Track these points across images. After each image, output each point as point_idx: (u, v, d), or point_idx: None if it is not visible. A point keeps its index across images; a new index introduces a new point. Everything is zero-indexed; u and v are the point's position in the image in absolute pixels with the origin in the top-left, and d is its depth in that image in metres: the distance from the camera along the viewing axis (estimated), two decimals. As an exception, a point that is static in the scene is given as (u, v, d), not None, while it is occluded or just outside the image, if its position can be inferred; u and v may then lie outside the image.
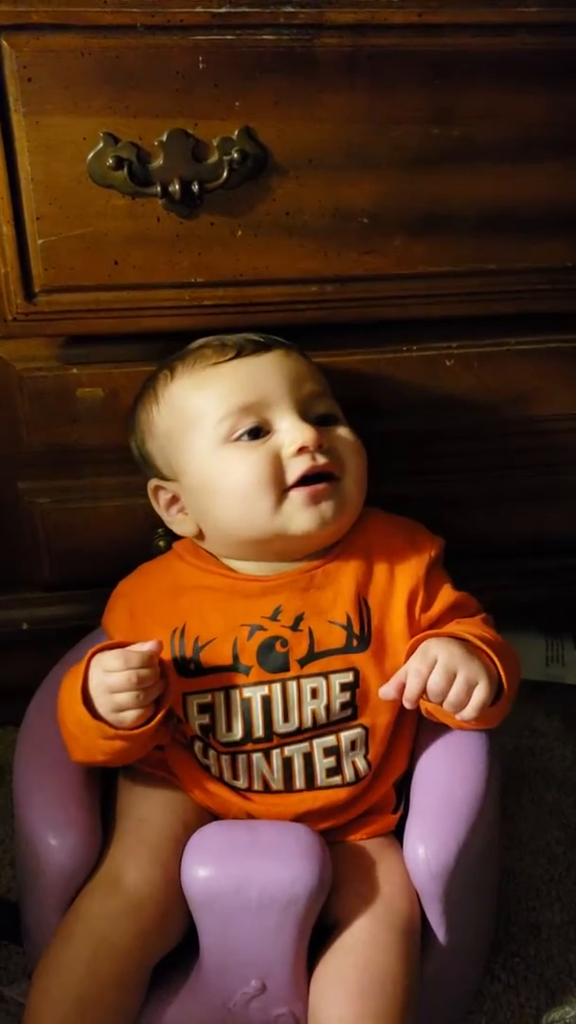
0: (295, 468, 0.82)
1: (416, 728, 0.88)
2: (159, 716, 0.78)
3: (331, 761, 0.83)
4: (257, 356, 0.84)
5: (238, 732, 0.82)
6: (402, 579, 0.85)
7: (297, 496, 0.82)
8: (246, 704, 0.82)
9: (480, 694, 0.78)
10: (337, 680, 0.83)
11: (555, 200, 0.89)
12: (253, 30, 0.80)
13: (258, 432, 0.82)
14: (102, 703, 0.77)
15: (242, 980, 0.77)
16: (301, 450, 0.81)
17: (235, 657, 0.83)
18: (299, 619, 0.83)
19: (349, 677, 0.83)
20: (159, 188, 0.83)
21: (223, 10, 0.79)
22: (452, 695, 0.78)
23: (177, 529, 0.88)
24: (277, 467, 0.82)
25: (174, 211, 0.84)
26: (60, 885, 0.80)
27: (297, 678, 0.82)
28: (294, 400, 0.83)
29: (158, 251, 0.86)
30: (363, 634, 0.84)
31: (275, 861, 0.76)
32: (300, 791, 0.83)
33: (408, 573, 0.86)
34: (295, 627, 0.83)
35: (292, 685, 0.82)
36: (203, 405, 0.83)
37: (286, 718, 0.82)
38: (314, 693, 0.82)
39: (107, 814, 0.85)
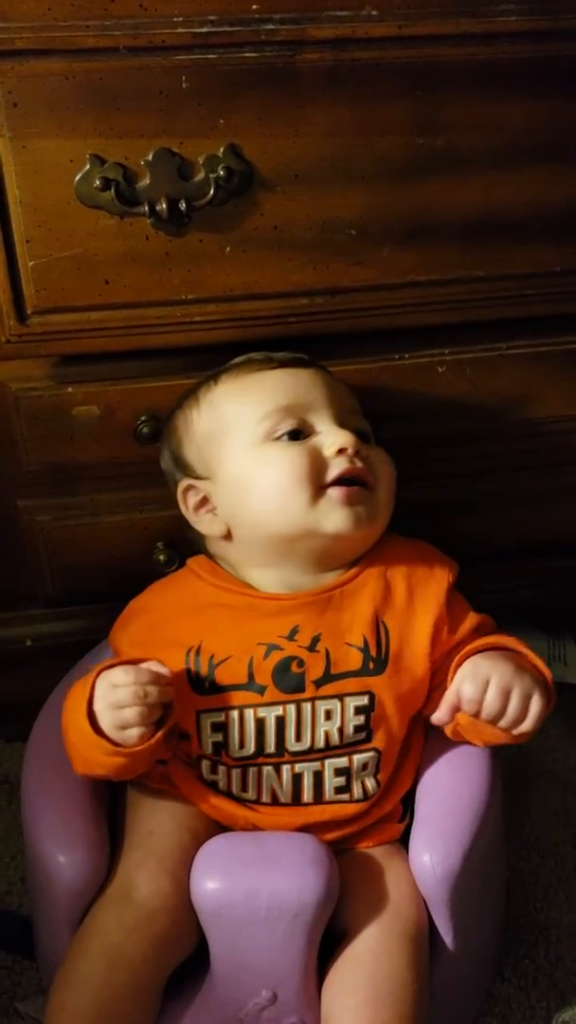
0: (335, 467, 0.83)
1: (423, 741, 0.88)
2: (160, 734, 0.78)
3: (341, 780, 0.83)
4: (299, 368, 0.87)
5: (250, 749, 0.82)
6: (423, 604, 0.85)
7: (334, 494, 0.82)
8: (260, 723, 0.82)
9: (537, 706, 0.79)
10: (352, 703, 0.83)
11: (540, 205, 0.90)
12: (235, 48, 0.80)
13: (298, 434, 0.84)
14: (106, 718, 0.78)
15: (253, 991, 0.78)
16: (341, 451, 0.83)
17: (250, 676, 0.82)
18: (316, 640, 0.83)
19: (364, 700, 0.83)
20: (147, 207, 0.83)
21: (204, 30, 0.79)
22: (511, 712, 0.79)
23: (204, 530, 0.88)
24: (316, 464, 0.82)
25: (162, 229, 0.85)
26: (70, 901, 0.80)
27: (312, 699, 0.82)
28: (335, 409, 0.85)
29: (148, 269, 0.87)
30: (380, 657, 0.83)
31: (283, 872, 0.76)
32: (308, 805, 0.83)
33: (429, 597, 0.86)
34: (312, 648, 0.83)
35: (307, 706, 0.82)
36: (246, 406, 0.84)
37: (299, 738, 0.82)
38: (328, 715, 0.82)
39: (115, 827, 0.85)
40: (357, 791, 0.83)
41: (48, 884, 0.81)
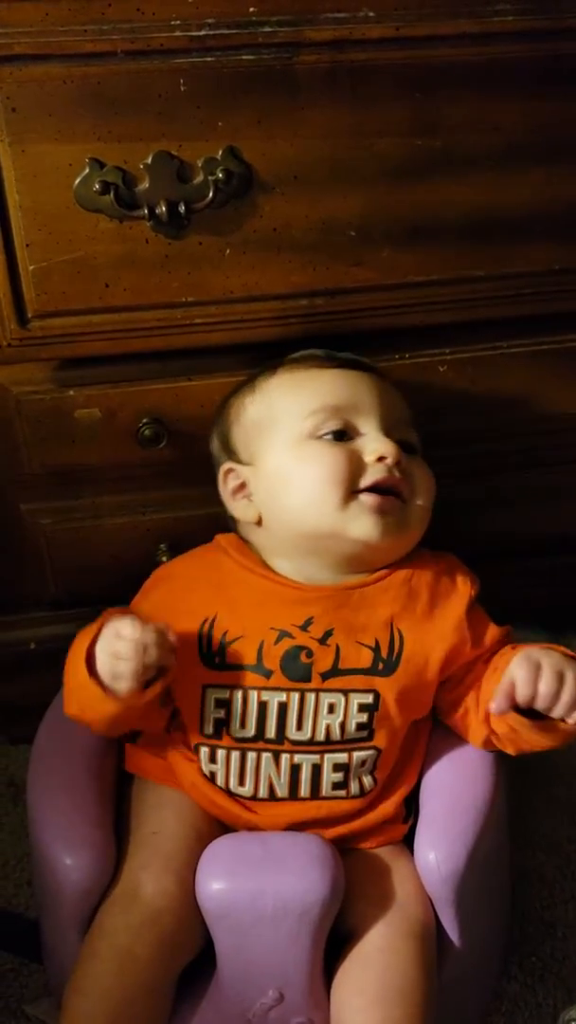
0: (371, 474, 0.83)
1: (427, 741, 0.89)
2: (148, 693, 0.78)
3: (339, 776, 0.83)
4: (356, 371, 0.87)
5: (251, 730, 0.83)
6: (443, 615, 0.85)
7: (366, 500, 0.83)
8: (262, 707, 0.83)
9: None
10: (356, 699, 0.83)
11: (538, 204, 0.90)
12: (233, 51, 0.80)
13: (342, 435, 0.84)
14: (103, 663, 0.77)
15: (260, 990, 0.78)
16: (380, 459, 0.83)
17: (259, 658, 0.83)
18: (328, 634, 0.84)
19: (369, 699, 0.83)
20: (146, 211, 0.83)
21: (202, 33, 0.79)
22: (565, 695, 0.78)
23: (238, 514, 0.89)
24: (354, 467, 0.83)
25: (162, 232, 0.85)
26: (77, 903, 0.81)
27: (317, 691, 0.83)
28: (383, 416, 0.85)
29: (148, 272, 0.87)
30: (390, 660, 0.84)
31: (288, 872, 0.77)
32: (304, 799, 0.83)
33: (450, 610, 0.86)
34: (323, 641, 0.83)
35: (311, 696, 0.83)
36: (296, 399, 0.85)
37: (300, 727, 0.83)
38: (331, 708, 0.83)
39: (120, 827, 0.85)
40: (354, 787, 0.84)
41: (55, 886, 0.82)
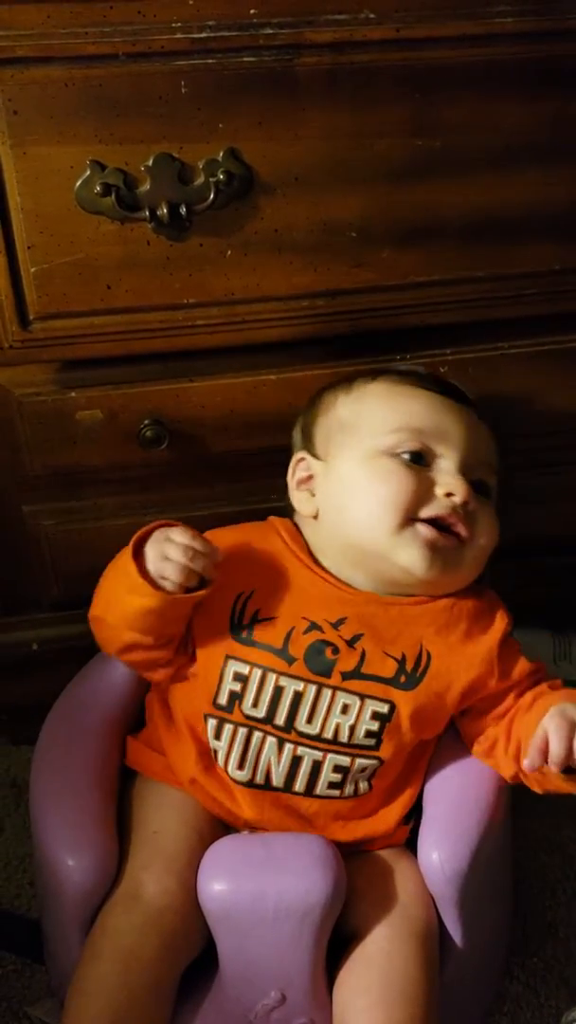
0: (434, 507, 0.83)
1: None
2: (193, 597, 0.80)
3: (337, 777, 0.83)
4: (455, 402, 0.87)
5: (262, 711, 0.83)
6: (475, 645, 0.85)
7: (421, 530, 0.82)
8: (278, 691, 0.83)
9: None
10: (371, 706, 0.83)
11: (539, 205, 0.90)
12: (233, 53, 0.80)
13: (419, 458, 0.84)
14: (152, 560, 0.80)
15: (262, 992, 0.78)
16: (449, 495, 0.83)
17: (285, 643, 0.83)
18: (357, 637, 0.84)
19: (384, 709, 0.83)
20: (147, 212, 0.83)
21: (203, 35, 0.79)
22: None
23: (297, 504, 0.89)
24: (420, 494, 0.83)
25: (163, 234, 0.85)
26: (79, 904, 0.81)
27: (334, 688, 0.83)
28: (465, 452, 0.85)
29: (149, 274, 0.87)
30: (414, 675, 0.83)
31: (290, 873, 0.77)
32: (297, 794, 0.83)
33: (483, 641, 0.85)
34: (351, 643, 0.83)
35: (327, 692, 0.83)
36: (386, 412, 0.85)
37: (310, 720, 0.83)
38: (345, 709, 0.83)
39: (122, 825, 0.85)
40: (348, 789, 0.84)
41: (57, 887, 0.82)
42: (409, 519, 0.82)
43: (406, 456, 0.83)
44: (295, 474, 0.89)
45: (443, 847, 0.81)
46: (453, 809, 0.83)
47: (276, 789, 0.83)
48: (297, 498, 0.89)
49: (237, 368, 0.94)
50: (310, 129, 0.84)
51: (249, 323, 0.91)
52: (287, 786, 0.83)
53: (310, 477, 0.88)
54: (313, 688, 0.83)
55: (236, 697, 0.83)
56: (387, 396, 0.87)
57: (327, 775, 0.83)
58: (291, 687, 0.83)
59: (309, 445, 0.89)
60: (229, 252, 0.87)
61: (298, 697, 0.83)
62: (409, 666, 0.83)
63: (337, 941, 0.80)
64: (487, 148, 0.87)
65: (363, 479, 0.84)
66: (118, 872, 0.81)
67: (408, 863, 0.84)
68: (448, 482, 0.83)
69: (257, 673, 0.83)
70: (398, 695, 0.83)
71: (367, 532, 0.83)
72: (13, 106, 0.80)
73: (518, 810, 0.93)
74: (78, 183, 0.83)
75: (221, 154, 0.83)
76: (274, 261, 0.88)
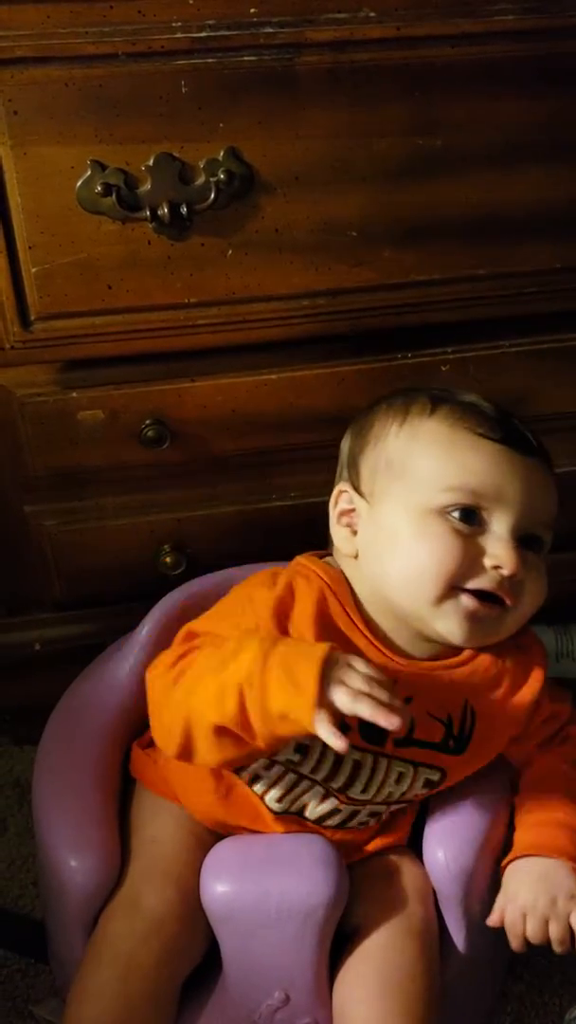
0: (480, 579, 0.76)
1: None
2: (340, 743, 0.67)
3: (370, 821, 0.83)
4: (516, 453, 0.78)
5: (321, 776, 0.79)
6: (517, 701, 0.82)
7: (465, 602, 0.77)
8: (338, 760, 0.78)
9: None
10: (424, 775, 0.81)
11: (539, 203, 0.90)
12: (234, 52, 0.80)
13: (471, 516, 0.77)
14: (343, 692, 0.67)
15: (266, 992, 0.78)
16: (496, 567, 0.77)
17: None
18: (407, 701, 0.77)
19: (436, 776, 0.81)
20: (148, 212, 0.83)
21: (203, 35, 0.79)
22: (555, 941, 0.78)
23: (337, 540, 0.83)
24: (466, 564, 0.76)
25: (164, 234, 0.85)
26: (82, 905, 0.81)
27: (389, 757, 0.79)
28: (522, 514, 0.78)
29: (150, 274, 0.87)
30: (461, 737, 0.81)
31: (292, 873, 0.77)
32: (327, 827, 0.82)
33: (524, 697, 0.82)
34: None
35: (383, 763, 0.79)
36: (441, 466, 0.77)
37: (365, 790, 0.80)
38: (400, 778, 0.80)
39: (124, 828, 0.85)
40: (373, 821, 0.83)
41: (60, 888, 0.82)
42: (451, 588, 0.76)
43: (456, 515, 0.77)
44: (336, 505, 0.83)
45: (448, 845, 0.81)
46: (459, 808, 0.83)
47: (307, 819, 0.82)
48: (338, 534, 0.83)
49: (238, 368, 0.94)
50: (311, 128, 0.84)
51: (250, 323, 0.91)
52: (319, 821, 0.82)
53: (352, 511, 0.82)
54: (370, 758, 0.79)
55: (292, 764, 0.79)
56: (444, 444, 0.78)
57: (360, 819, 0.82)
58: (350, 757, 0.78)
59: (355, 477, 0.82)
60: (230, 252, 0.87)
61: (358, 768, 0.79)
62: (456, 729, 0.81)
63: (340, 940, 0.80)
64: (488, 146, 0.87)
65: (409, 539, 0.77)
66: (120, 874, 0.81)
67: (410, 862, 0.84)
68: (498, 554, 0.76)
69: (318, 744, 0.77)
70: (448, 760, 0.81)
71: (407, 596, 0.77)
72: (13, 106, 0.80)
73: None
74: (79, 183, 0.83)
75: (222, 154, 0.83)
76: (275, 260, 0.88)
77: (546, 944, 0.78)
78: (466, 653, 0.81)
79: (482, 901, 0.82)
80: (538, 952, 0.93)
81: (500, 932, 0.89)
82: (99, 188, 0.82)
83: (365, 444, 0.82)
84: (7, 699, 1.11)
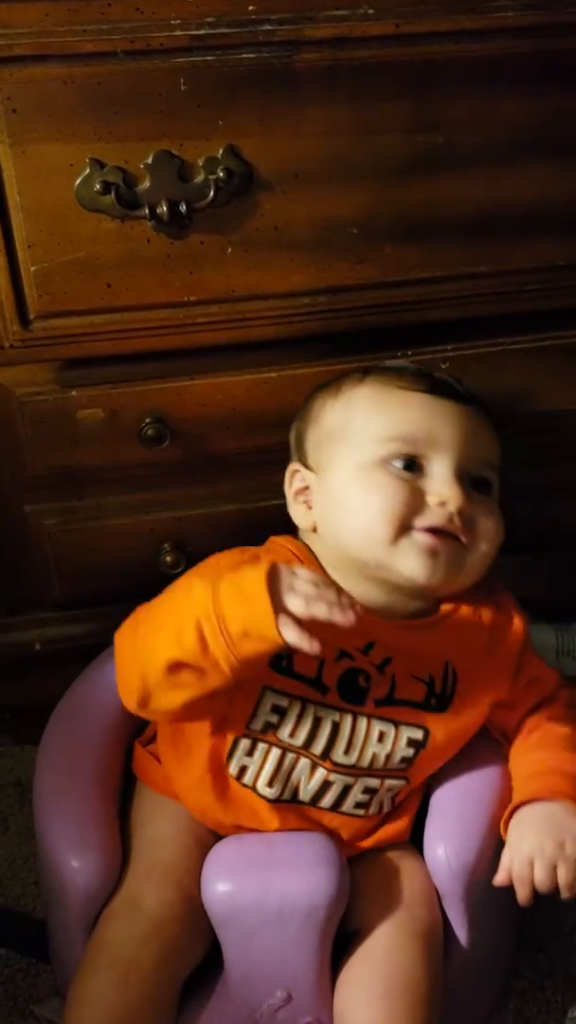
0: (428, 516, 0.80)
1: None
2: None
3: (365, 798, 0.83)
4: (447, 400, 0.83)
5: (300, 739, 0.81)
6: (497, 659, 0.84)
7: (419, 538, 0.80)
8: (317, 721, 0.81)
9: None
10: (406, 733, 0.82)
11: (540, 200, 0.90)
12: (233, 50, 0.80)
13: (412, 465, 0.81)
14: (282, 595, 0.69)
15: (267, 992, 0.78)
16: (442, 504, 0.80)
17: (319, 673, 0.81)
18: (386, 662, 0.82)
19: (419, 735, 0.82)
20: (147, 210, 0.83)
21: (202, 32, 0.79)
22: (563, 885, 0.78)
23: (295, 517, 0.87)
24: (413, 504, 0.80)
25: (163, 232, 0.85)
26: (83, 905, 0.81)
27: (369, 716, 0.81)
28: (460, 455, 0.82)
29: (150, 272, 0.87)
30: (443, 695, 0.82)
31: (293, 872, 0.77)
32: (322, 809, 0.82)
33: (504, 656, 0.85)
34: (381, 668, 0.82)
35: (363, 721, 0.81)
36: (376, 421, 0.82)
37: (347, 751, 0.81)
38: (381, 737, 0.81)
39: (125, 828, 0.85)
40: (373, 808, 0.83)
41: (61, 888, 0.82)
42: (404, 528, 0.80)
43: (398, 465, 0.81)
44: (291, 485, 0.87)
45: (449, 842, 0.81)
46: (459, 804, 0.84)
47: (302, 803, 0.82)
48: (296, 512, 0.87)
49: (238, 366, 0.94)
50: (310, 126, 0.84)
51: (250, 321, 0.90)
52: (313, 801, 0.82)
53: (306, 488, 0.86)
54: (349, 718, 0.81)
55: (272, 726, 0.81)
56: (376, 402, 0.83)
57: (355, 796, 0.82)
58: (328, 717, 0.81)
59: (302, 456, 0.87)
60: (229, 250, 0.87)
61: (335, 727, 0.81)
62: (438, 687, 0.82)
63: (342, 939, 0.79)
64: (488, 144, 0.87)
65: (356, 492, 0.81)
66: (120, 875, 0.81)
67: (412, 860, 0.84)
68: (440, 491, 0.80)
69: (296, 704, 0.80)
70: (431, 719, 0.82)
71: (364, 545, 0.80)
72: (12, 104, 0.80)
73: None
74: (78, 181, 0.82)
75: (221, 151, 0.83)
76: (275, 258, 0.88)
77: (554, 891, 0.78)
78: (443, 608, 0.84)
79: (483, 898, 0.82)
80: (540, 948, 0.93)
81: (501, 930, 0.89)
82: (98, 186, 0.82)
83: (308, 423, 0.87)
84: (8, 699, 1.11)
